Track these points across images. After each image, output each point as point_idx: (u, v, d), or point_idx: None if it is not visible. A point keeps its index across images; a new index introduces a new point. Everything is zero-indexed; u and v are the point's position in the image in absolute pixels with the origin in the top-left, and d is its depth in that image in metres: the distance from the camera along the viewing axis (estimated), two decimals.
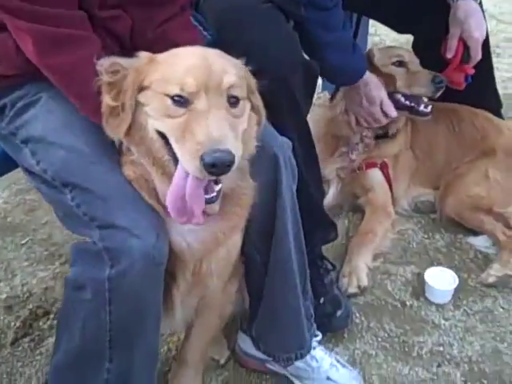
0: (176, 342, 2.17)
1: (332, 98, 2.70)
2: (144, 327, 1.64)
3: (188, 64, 1.47)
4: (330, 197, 2.74)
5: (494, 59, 4.22)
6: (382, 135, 2.69)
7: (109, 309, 1.57)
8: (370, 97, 2.47)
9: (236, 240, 1.75)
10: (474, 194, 2.67)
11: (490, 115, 2.86)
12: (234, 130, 1.43)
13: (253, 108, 1.60)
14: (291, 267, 1.85)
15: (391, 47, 2.77)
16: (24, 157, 1.69)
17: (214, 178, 1.42)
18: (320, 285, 2.27)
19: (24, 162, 1.71)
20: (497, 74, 3.99)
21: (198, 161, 1.35)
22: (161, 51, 1.56)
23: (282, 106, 2.01)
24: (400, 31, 3.09)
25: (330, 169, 2.72)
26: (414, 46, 2.93)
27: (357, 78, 2.43)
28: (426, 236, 2.72)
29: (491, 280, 2.44)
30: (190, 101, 1.42)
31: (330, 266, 2.36)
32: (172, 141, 1.43)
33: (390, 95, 2.53)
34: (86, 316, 1.62)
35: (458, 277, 2.44)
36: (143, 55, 1.52)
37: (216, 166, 1.34)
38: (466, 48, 2.54)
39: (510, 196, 2.67)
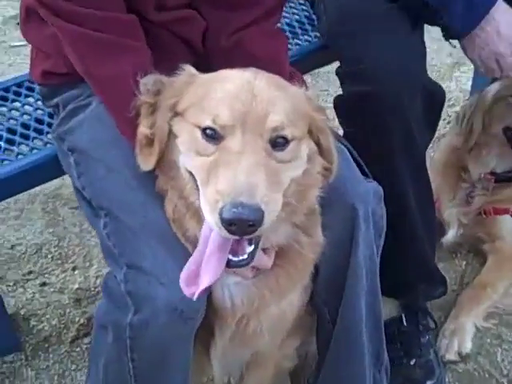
0: None
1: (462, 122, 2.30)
2: (168, 381, 1.41)
3: (227, 91, 1.18)
4: (449, 237, 2.35)
5: None
6: (506, 178, 2.25)
7: (130, 356, 1.36)
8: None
9: (293, 299, 1.46)
10: None
11: None
12: (273, 179, 1.13)
13: (320, 150, 1.29)
14: (359, 336, 1.55)
15: None
16: (68, 165, 1.52)
17: (236, 237, 1.12)
18: (416, 344, 1.98)
19: (68, 171, 1.53)
20: None
21: (217, 215, 1.07)
22: (236, 63, 1.30)
23: (392, 142, 1.72)
24: None
25: (449, 212, 2.34)
26: None
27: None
28: None
29: None
30: (222, 136, 1.14)
31: (432, 324, 2.03)
32: (199, 184, 1.17)
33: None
34: (108, 357, 1.43)
35: None
36: (185, 72, 1.26)
37: (236, 225, 1.06)
38: None
39: None
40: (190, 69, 1.27)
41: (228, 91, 1.18)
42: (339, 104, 1.81)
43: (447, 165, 2.35)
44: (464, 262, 2.39)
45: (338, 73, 1.83)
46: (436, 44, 3.67)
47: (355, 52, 1.76)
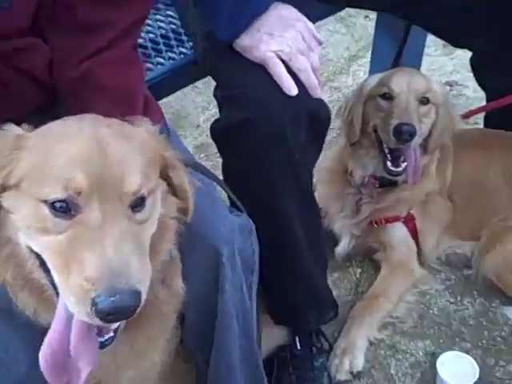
0: None
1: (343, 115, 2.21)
2: None
3: (73, 152, 1.00)
4: (341, 249, 2.28)
5: None
6: (389, 183, 2.16)
7: None
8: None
9: (154, 357, 1.33)
10: None
11: None
12: (138, 246, 1.00)
13: (173, 190, 1.16)
14: (233, 380, 1.45)
15: (395, 71, 2.16)
16: None
17: (112, 325, 1.01)
18: (308, 368, 1.92)
19: None
20: None
21: (89, 306, 0.93)
22: (86, 96, 1.23)
23: (274, 172, 1.62)
24: (455, 45, 2.55)
25: (340, 224, 2.26)
26: (472, 62, 2.40)
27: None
28: (452, 300, 2.23)
29: None
30: (77, 208, 0.98)
31: (326, 346, 1.97)
32: (52, 269, 1.00)
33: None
34: None
35: (484, 362, 2.00)
36: (8, 134, 1.05)
37: (115, 314, 0.93)
38: None
39: None
40: (14, 129, 1.06)
41: (74, 152, 1.00)
42: (216, 130, 1.68)
43: (333, 171, 2.26)
44: (359, 271, 2.33)
45: (215, 96, 1.72)
46: (333, 37, 3.64)
47: (233, 75, 1.64)
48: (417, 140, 1.97)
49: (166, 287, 1.23)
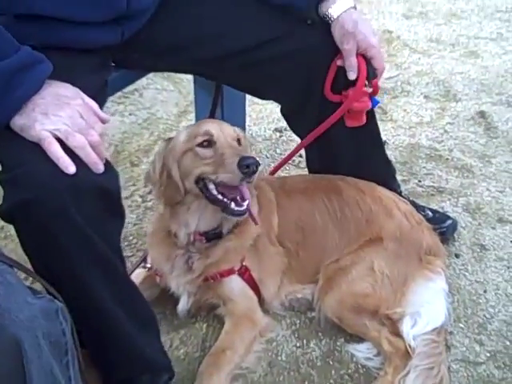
0: None
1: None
2: None
3: None
4: (181, 307, 2.25)
5: (403, 99, 3.90)
6: (215, 236, 2.18)
7: None
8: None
9: None
10: (357, 292, 2.22)
11: (380, 192, 2.42)
12: None
13: None
14: None
15: (202, 122, 2.21)
16: None
17: None
18: None
19: None
20: (405, 117, 3.67)
21: None
22: None
23: (66, 249, 1.59)
24: (262, 98, 2.73)
25: (174, 284, 2.24)
26: (283, 112, 2.54)
27: None
28: (298, 344, 2.26)
29: None
30: None
31: None
32: None
33: (204, 184, 2.06)
34: None
35: None
36: None
37: None
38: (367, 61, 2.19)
39: (399, 293, 2.24)
40: None
41: None
42: (2, 214, 1.62)
43: (158, 235, 2.25)
44: (205, 325, 2.30)
45: None
46: (161, 95, 3.66)
47: (12, 155, 1.60)
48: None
49: None
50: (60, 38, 1.89)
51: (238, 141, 2.10)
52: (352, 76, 2.18)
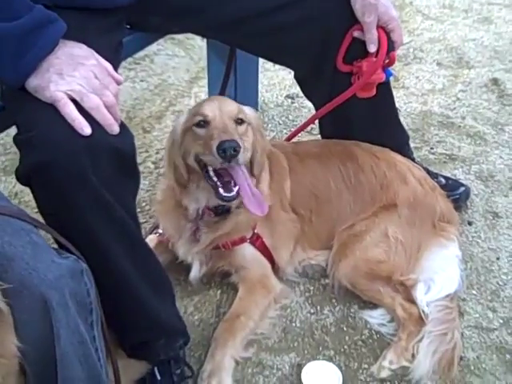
0: None
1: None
2: None
3: None
4: (193, 275, 2.26)
5: (415, 66, 3.87)
6: (224, 211, 2.16)
7: None
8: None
9: None
10: (371, 258, 2.23)
11: (394, 158, 2.41)
12: None
13: None
14: None
15: (204, 100, 2.19)
16: None
17: None
18: None
19: None
20: (417, 84, 3.64)
21: None
22: None
23: (83, 211, 1.59)
24: (277, 62, 2.70)
25: (183, 251, 2.24)
26: (296, 77, 2.51)
27: None
28: (312, 310, 2.27)
29: (383, 375, 2.03)
30: None
31: (187, 372, 1.94)
32: None
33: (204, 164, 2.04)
34: None
35: (347, 367, 2.04)
36: None
37: None
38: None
39: (413, 260, 2.24)
40: None
41: None
42: (19, 176, 1.62)
43: (166, 204, 2.24)
44: (219, 292, 2.32)
45: (14, 140, 1.64)
46: (172, 61, 3.64)
47: (28, 117, 1.59)
48: (243, 157, 1.95)
49: None
50: None
51: (240, 120, 2.05)
52: (373, 49, 2.15)
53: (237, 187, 1.99)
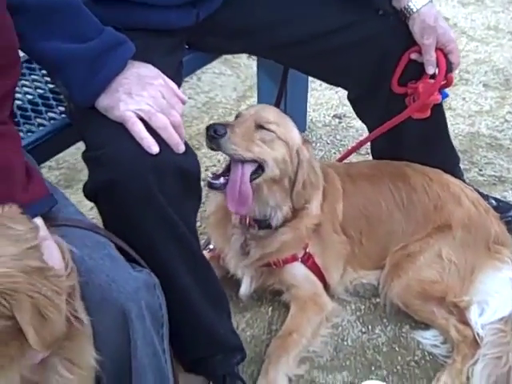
0: None
1: None
2: None
3: None
4: (243, 291, 2.27)
5: (462, 87, 3.85)
6: (266, 225, 2.17)
7: None
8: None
9: None
10: (425, 278, 2.22)
11: (447, 179, 2.40)
12: None
13: None
14: None
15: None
16: None
17: None
18: None
19: None
20: (464, 106, 3.62)
21: None
22: None
23: (150, 230, 1.63)
24: (330, 83, 2.73)
25: (233, 266, 2.26)
26: (349, 98, 2.52)
27: None
28: (364, 329, 2.26)
29: None
30: None
31: None
32: None
33: None
34: None
35: None
36: None
37: None
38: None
39: (467, 281, 2.23)
40: None
41: None
42: (87, 193, 1.67)
43: (217, 214, 2.27)
44: (270, 309, 2.32)
45: (83, 157, 1.69)
46: (220, 79, 3.67)
47: (97, 135, 1.63)
48: (227, 145, 1.96)
49: (72, 363, 1.21)
50: (138, 20, 1.91)
51: (261, 126, 2.05)
52: (431, 70, 2.16)
53: (225, 178, 2.02)
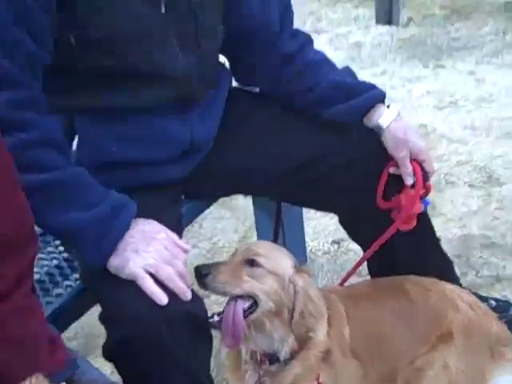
0: None
1: None
2: None
3: None
4: None
5: (448, 191, 3.98)
6: (275, 359, 2.21)
7: None
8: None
9: None
10: None
11: (443, 286, 2.50)
12: None
13: None
14: None
15: None
16: None
17: None
18: None
19: None
20: (453, 209, 3.74)
21: None
22: None
23: (166, 378, 1.76)
24: (321, 210, 2.90)
25: None
26: (341, 222, 2.67)
27: None
28: None
29: None
30: None
31: None
32: None
33: None
34: None
35: None
36: None
37: None
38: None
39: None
40: None
41: None
42: (105, 353, 1.80)
43: (231, 357, 2.32)
44: None
45: (99, 318, 1.83)
46: (220, 223, 3.81)
47: (111, 295, 1.78)
48: (215, 285, 2.01)
49: None
50: (139, 179, 2.08)
51: (251, 261, 2.10)
52: (409, 181, 2.31)
53: (215, 317, 2.07)
